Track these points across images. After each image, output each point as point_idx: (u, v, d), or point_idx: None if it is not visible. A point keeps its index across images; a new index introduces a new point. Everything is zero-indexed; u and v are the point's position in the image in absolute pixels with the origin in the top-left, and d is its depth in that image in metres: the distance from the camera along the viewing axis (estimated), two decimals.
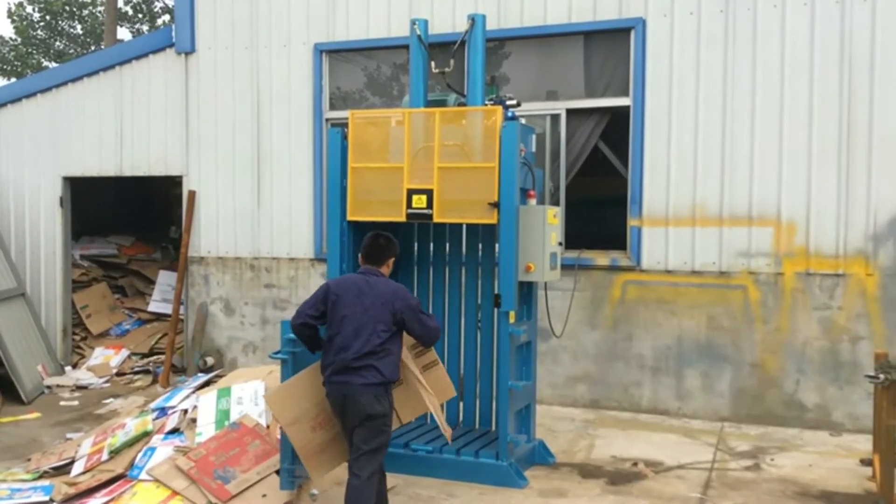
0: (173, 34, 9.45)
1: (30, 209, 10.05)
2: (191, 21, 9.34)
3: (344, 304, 4.69)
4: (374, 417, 4.59)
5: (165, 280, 10.90)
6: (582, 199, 8.21)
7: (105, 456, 5.99)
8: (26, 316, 9.41)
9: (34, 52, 26.68)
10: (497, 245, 5.93)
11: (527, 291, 6.18)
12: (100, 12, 25.72)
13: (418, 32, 6.15)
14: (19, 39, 26.45)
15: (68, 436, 7.15)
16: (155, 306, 10.85)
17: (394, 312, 4.68)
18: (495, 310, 5.98)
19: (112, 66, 9.71)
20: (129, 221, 12.05)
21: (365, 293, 4.71)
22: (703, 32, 7.45)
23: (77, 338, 10.23)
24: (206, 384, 7.11)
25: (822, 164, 7.13)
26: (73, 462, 6.14)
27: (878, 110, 6.98)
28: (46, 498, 5.63)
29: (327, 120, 8.82)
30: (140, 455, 5.86)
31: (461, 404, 6.55)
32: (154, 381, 9.26)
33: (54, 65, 24.83)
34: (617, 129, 7.96)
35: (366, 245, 4.96)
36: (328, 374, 4.69)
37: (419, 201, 5.80)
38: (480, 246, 6.44)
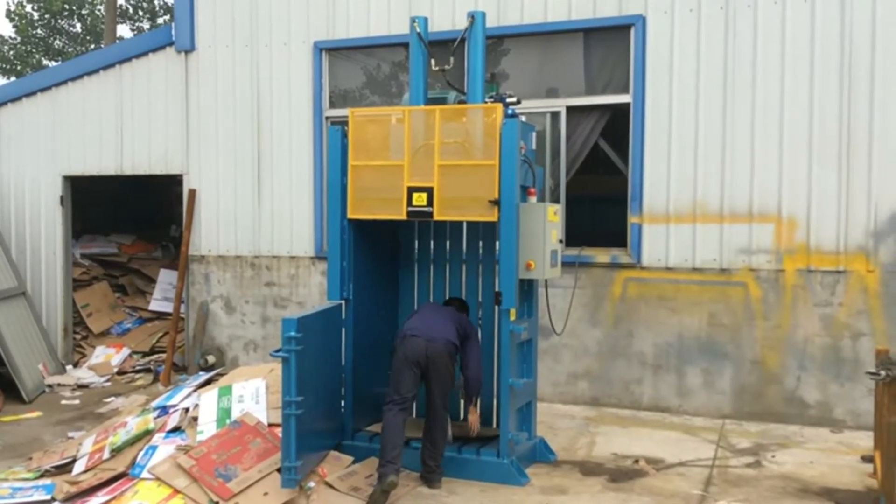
0: (173, 32, 9.45)
1: (30, 208, 10.05)
2: (191, 19, 9.34)
3: (423, 310, 6.03)
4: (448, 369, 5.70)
5: (166, 279, 10.90)
6: (582, 196, 8.20)
7: (106, 454, 6.00)
8: (27, 315, 9.42)
9: (34, 50, 26.66)
10: (497, 242, 5.92)
11: (527, 289, 6.18)
12: (99, 10, 25.69)
13: (418, 30, 6.13)
14: (19, 38, 26.43)
15: (70, 434, 7.16)
16: (156, 305, 10.86)
17: (459, 325, 5.80)
18: (496, 307, 5.98)
19: (112, 65, 9.71)
20: (130, 220, 12.04)
21: (438, 309, 5.98)
22: (703, 29, 7.45)
23: (78, 336, 10.24)
24: (208, 382, 7.10)
25: (823, 161, 7.13)
26: (74, 461, 6.14)
27: (879, 106, 6.98)
28: (48, 497, 5.63)
29: (327, 118, 8.82)
30: (141, 453, 5.86)
31: (462, 402, 6.55)
32: (155, 380, 9.27)
33: (54, 63, 24.81)
34: (617, 126, 7.95)
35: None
36: (409, 332, 5.64)
37: (419, 199, 5.80)
38: (481, 244, 6.45)
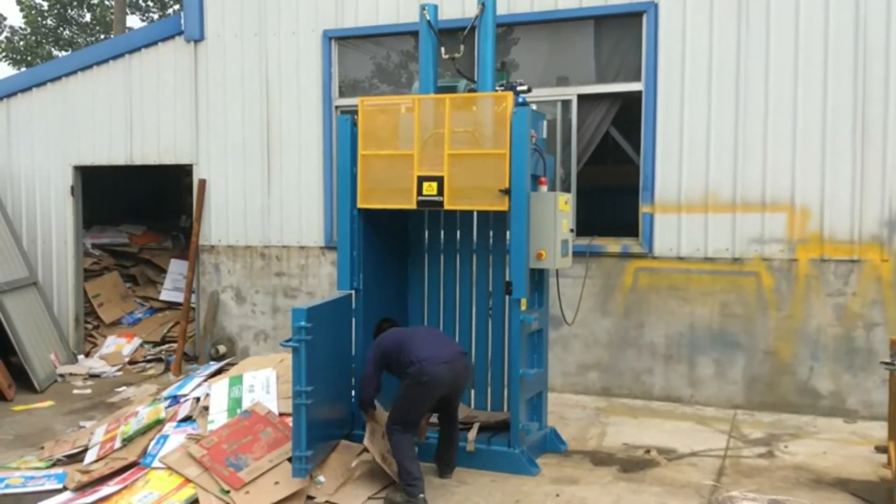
0: (182, 22, 9.43)
1: (41, 198, 10.08)
2: (199, 8, 9.31)
3: (416, 333, 5.67)
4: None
5: (176, 269, 10.92)
6: (593, 185, 8.15)
7: (118, 444, 6.02)
8: (38, 305, 9.45)
9: (44, 41, 26.67)
10: (508, 232, 5.89)
11: (538, 279, 6.15)
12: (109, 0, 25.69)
13: (428, 18, 6.08)
14: (29, 29, 26.46)
15: (81, 424, 7.19)
16: (166, 295, 10.89)
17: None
18: (506, 297, 5.95)
19: (121, 55, 9.71)
20: (140, 210, 12.07)
21: (432, 330, 5.94)
22: (715, 16, 7.37)
23: (89, 326, 10.28)
24: (218, 372, 7.12)
25: (836, 149, 7.06)
26: (85, 450, 6.17)
27: (894, 94, 6.89)
28: (59, 486, 5.67)
29: (337, 107, 8.79)
30: (153, 443, 5.88)
31: (472, 392, 6.54)
32: (166, 370, 9.30)
33: (64, 54, 24.81)
34: (628, 114, 7.89)
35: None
36: (430, 361, 5.25)
37: (430, 188, 5.77)
38: (491, 233, 6.41)
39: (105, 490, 5.45)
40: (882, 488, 5.43)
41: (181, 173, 10.75)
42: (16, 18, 31.54)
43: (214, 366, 7.52)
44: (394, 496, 5.30)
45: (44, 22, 26.61)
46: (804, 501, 5.24)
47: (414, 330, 5.82)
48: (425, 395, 5.33)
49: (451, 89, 6.16)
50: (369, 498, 5.38)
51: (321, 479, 5.46)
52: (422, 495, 5.20)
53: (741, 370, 7.42)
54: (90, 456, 6.04)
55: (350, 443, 5.97)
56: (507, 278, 5.91)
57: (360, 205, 6.05)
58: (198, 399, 6.39)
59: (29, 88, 10.12)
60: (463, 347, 5.77)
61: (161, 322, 10.48)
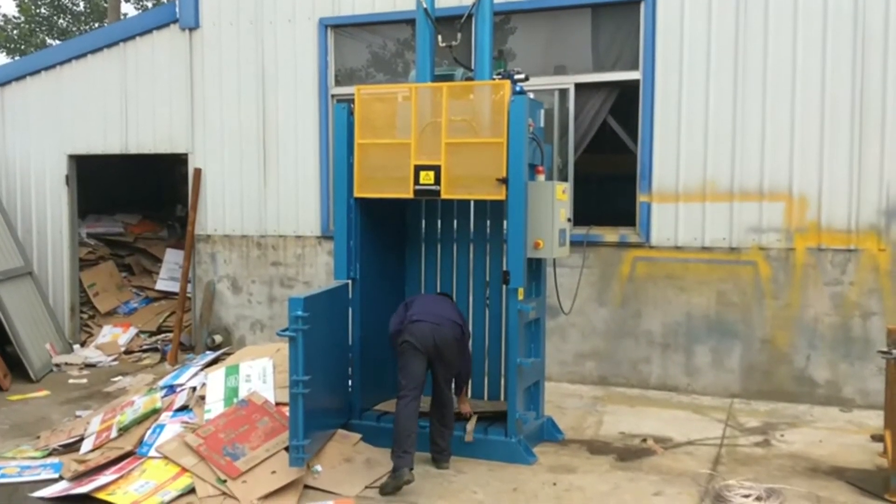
0: (177, 10, 9.36)
1: (36, 187, 10.03)
2: None
3: (425, 296, 5.98)
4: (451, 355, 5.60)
5: (172, 258, 10.90)
6: (591, 174, 8.13)
7: (114, 433, 6.00)
8: (34, 294, 9.42)
9: (38, 30, 26.54)
10: (505, 221, 5.87)
11: (535, 268, 6.14)
12: None
13: (424, 5, 6.04)
14: (23, 18, 26.31)
15: (77, 413, 7.17)
16: (162, 284, 10.86)
17: (458, 311, 5.79)
18: (504, 287, 5.94)
19: (116, 43, 9.65)
20: (136, 199, 12.01)
21: (434, 297, 5.96)
22: (714, 4, 7.33)
23: (85, 316, 10.25)
24: (215, 362, 7.10)
25: (835, 138, 7.04)
26: (81, 440, 6.16)
27: (892, 82, 6.88)
28: (55, 475, 5.65)
29: (333, 96, 8.75)
30: (149, 432, 5.87)
31: (470, 382, 6.52)
32: (162, 359, 9.28)
33: (58, 42, 24.67)
34: (626, 103, 7.86)
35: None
36: (413, 317, 5.51)
37: (427, 177, 5.74)
38: (489, 222, 6.40)
39: (101, 479, 5.43)
40: (878, 477, 5.45)
41: (177, 162, 10.69)
42: (9, 7, 31.41)
43: (211, 355, 7.51)
44: (386, 483, 5.31)
45: (37, 11, 26.46)
46: (800, 490, 5.25)
47: (429, 295, 6.09)
48: (410, 353, 5.45)
49: (449, 78, 6.13)
50: (367, 487, 5.37)
51: (318, 468, 5.45)
52: (406, 468, 5.20)
53: (738, 359, 7.43)
54: (86, 445, 6.03)
55: (347, 432, 5.97)
56: (505, 268, 5.88)
57: (356, 194, 6.02)
58: (194, 388, 6.38)
59: (23, 77, 10.06)
60: (463, 319, 5.76)
61: (157, 311, 10.46)
